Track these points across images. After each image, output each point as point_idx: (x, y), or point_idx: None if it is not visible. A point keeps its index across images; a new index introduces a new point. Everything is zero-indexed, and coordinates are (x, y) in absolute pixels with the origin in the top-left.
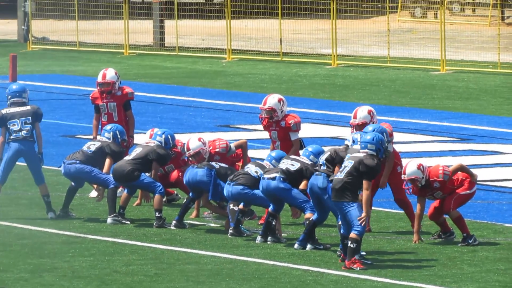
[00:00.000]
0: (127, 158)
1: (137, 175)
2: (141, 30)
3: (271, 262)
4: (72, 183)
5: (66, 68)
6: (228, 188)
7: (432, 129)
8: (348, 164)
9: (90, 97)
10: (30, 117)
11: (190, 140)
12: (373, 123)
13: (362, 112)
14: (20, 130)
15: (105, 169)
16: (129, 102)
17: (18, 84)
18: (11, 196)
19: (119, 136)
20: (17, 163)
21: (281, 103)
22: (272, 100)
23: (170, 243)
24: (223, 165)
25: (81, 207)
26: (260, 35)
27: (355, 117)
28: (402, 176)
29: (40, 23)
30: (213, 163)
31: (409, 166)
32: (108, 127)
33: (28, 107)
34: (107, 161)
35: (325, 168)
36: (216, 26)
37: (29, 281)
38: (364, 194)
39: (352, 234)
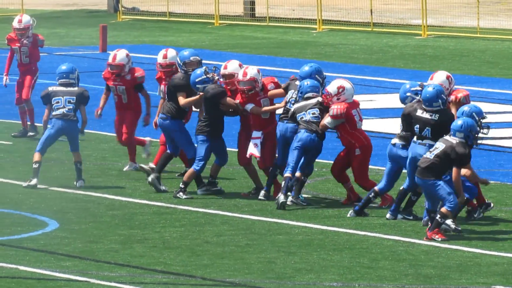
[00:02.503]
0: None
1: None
2: (232, 0)
3: (362, 233)
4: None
5: (156, 39)
6: None
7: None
8: (439, 146)
9: (102, 76)
10: (74, 97)
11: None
12: (450, 90)
13: (439, 76)
14: (63, 107)
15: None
16: (141, 84)
17: (67, 64)
18: (101, 167)
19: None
20: (108, 133)
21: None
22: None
23: (261, 214)
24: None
25: (171, 179)
26: (350, 6)
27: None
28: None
29: None
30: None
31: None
32: None
33: (75, 88)
34: None
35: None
36: None
37: (120, 252)
38: (455, 183)
39: (444, 209)
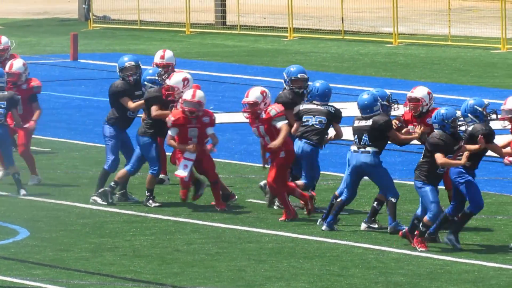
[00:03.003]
0: None
1: None
2: (203, 9)
3: (333, 241)
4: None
5: (127, 47)
6: None
7: (492, 107)
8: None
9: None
10: (5, 102)
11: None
12: (430, 106)
13: (420, 91)
14: None
15: None
16: (36, 95)
17: None
18: (72, 175)
19: None
20: (76, 142)
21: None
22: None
23: (231, 222)
24: None
25: (142, 186)
26: (321, 14)
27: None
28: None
29: (101, 2)
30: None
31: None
32: None
33: (5, 93)
34: None
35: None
36: (278, 5)
37: (90, 260)
38: (443, 165)
39: (425, 218)
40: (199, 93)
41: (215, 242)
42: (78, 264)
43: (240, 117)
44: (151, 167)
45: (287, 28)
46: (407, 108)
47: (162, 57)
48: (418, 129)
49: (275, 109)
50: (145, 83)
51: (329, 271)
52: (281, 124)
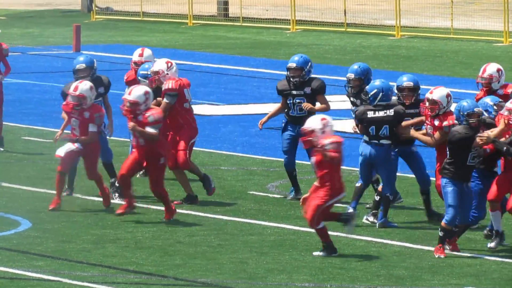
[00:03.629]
0: None
1: None
2: (205, 0)
3: (335, 233)
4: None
5: (129, 39)
6: None
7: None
8: None
9: None
10: None
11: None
12: (447, 108)
13: (439, 92)
14: None
15: None
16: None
17: None
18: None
19: None
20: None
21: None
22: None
23: (233, 214)
24: None
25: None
26: (324, 6)
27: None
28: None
29: None
30: None
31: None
32: None
33: None
34: None
35: None
36: None
37: (92, 252)
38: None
39: (442, 222)
40: (82, 86)
41: (217, 234)
42: (80, 255)
43: (242, 109)
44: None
45: (289, 20)
46: (424, 108)
47: (141, 55)
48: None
49: (153, 115)
50: (139, 78)
51: (331, 264)
52: (154, 131)
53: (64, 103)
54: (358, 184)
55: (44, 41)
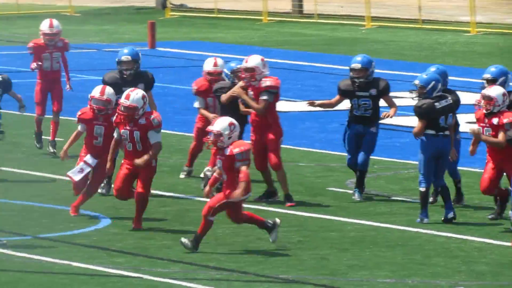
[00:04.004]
0: None
1: None
2: None
3: (415, 229)
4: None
5: (205, 35)
6: None
7: None
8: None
9: None
10: None
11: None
12: (503, 106)
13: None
14: None
15: None
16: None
17: None
18: None
19: None
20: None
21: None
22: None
23: (313, 211)
24: None
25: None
26: (399, 2)
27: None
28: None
29: None
30: None
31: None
32: None
33: None
34: None
35: None
36: None
37: (173, 248)
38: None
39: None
40: (108, 90)
41: (298, 231)
42: (160, 252)
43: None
44: None
45: (364, 16)
46: (481, 105)
47: (215, 65)
48: None
49: (157, 118)
50: (225, 72)
51: (412, 260)
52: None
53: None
54: (423, 189)
55: (119, 38)
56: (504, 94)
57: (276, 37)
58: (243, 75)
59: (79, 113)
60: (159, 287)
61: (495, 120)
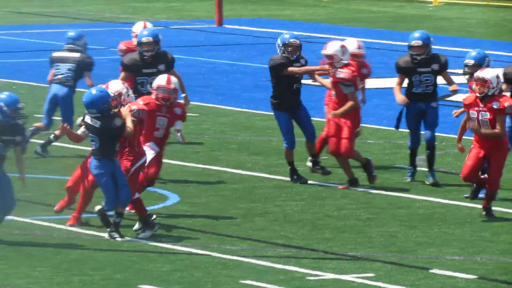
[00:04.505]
0: None
1: None
2: None
3: (479, 206)
4: None
5: (272, 12)
6: None
7: None
8: None
9: None
10: (74, 65)
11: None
12: None
13: None
14: (61, 74)
15: None
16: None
17: (75, 30)
18: (220, 140)
19: None
20: (224, 107)
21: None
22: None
23: (382, 188)
24: None
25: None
26: None
27: None
28: None
29: None
30: None
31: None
32: None
33: (77, 55)
34: None
35: None
36: None
37: (241, 225)
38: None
39: None
40: (174, 79)
41: (366, 208)
42: (229, 229)
43: (387, 83)
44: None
45: None
46: (473, 87)
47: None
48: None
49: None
50: (278, 42)
51: (480, 237)
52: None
53: (143, 101)
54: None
55: (187, 15)
56: (497, 76)
57: (343, 14)
58: (327, 62)
59: (140, 102)
60: (228, 265)
61: (495, 104)
